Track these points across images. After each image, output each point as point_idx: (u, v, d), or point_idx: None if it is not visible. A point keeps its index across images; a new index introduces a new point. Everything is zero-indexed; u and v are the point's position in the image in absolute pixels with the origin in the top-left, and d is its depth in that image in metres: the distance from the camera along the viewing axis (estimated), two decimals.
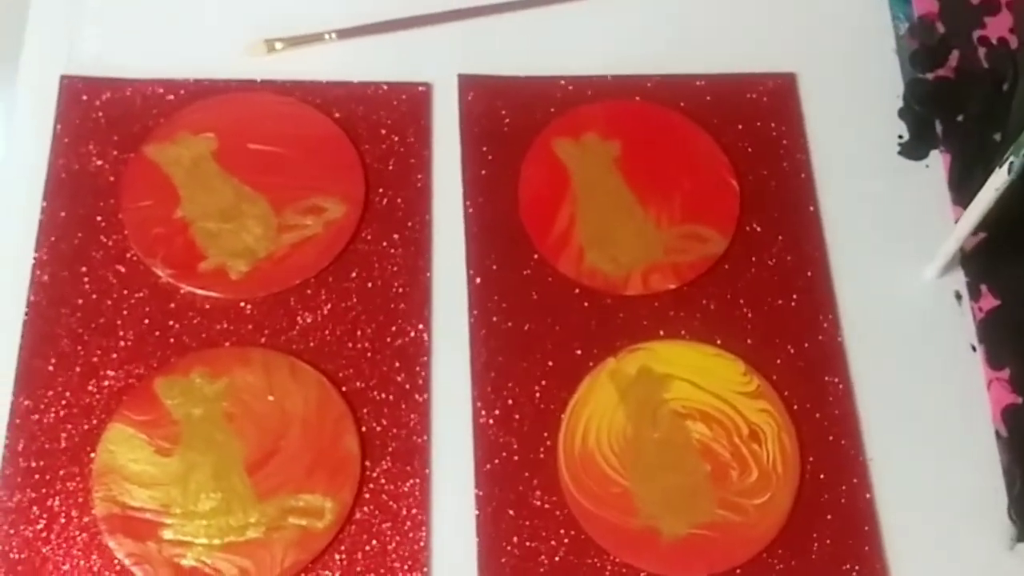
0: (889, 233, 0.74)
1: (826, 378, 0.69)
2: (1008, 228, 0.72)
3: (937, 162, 0.77)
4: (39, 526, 0.62)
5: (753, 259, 0.73)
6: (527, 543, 0.64)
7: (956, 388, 0.70)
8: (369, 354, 0.68)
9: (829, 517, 0.65)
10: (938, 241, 0.71)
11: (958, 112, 0.78)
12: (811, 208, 0.74)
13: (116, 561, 0.62)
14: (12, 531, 0.62)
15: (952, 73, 0.79)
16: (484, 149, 0.74)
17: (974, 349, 0.71)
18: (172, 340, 0.68)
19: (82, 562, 0.62)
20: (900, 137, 0.77)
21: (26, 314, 0.67)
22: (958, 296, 0.72)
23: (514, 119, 0.75)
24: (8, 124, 0.73)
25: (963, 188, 0.75)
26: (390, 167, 0.73)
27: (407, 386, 0.67)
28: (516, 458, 0.66)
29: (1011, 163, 0.62)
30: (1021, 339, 0.70)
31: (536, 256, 0.71)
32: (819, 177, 0.75)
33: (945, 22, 0.81)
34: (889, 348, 0.70)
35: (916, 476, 0.67)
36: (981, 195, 0.65)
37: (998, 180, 0.63)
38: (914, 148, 0.77)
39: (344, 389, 0.67)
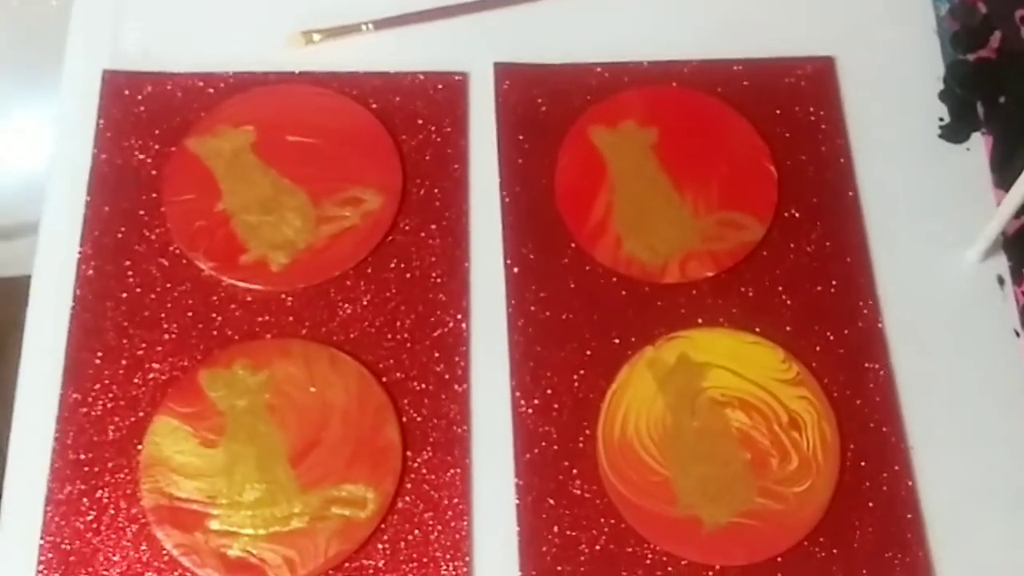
0: (930, 217, 0.74)
1: (866, 365, 0.69)
2: None
3: (978, 145, 0.76)
4: (89, 517, 0.64)
5: (791, 245, 0.72)
6: (568, 532, 0.65)
7: (998, 374, 0.69)
8: (408, 344, 0.68)
9: (871, 505, 0.65)
10: (980, 225, 0.71)
11: (1000, 94, 0.77)
12: (850, 193, 0.74)
13: (164, 552, 0.63)
14: (63, 522, 0.63)
15: (994, 54, 0.78)
16: (520, 138, 0.74)
17: (1017, 334, 0.70)
18: (215, 332, 0.68)
19: (132, 553, 0.63)
20: (941, 120, 0.77)
21: (72, 308, 0.68)
22: (1000, 280, 0.72)
23: (550, 107, 0.75)
24: (54, 120, 0.74)
25: (1005, 170, 0.74)
26: (427, 157, 0.73)
27: (447, 376, 0.68)
28: (556, 447, 0.66)
29: None
30: None
31: (573, 245, 0.72)
32: (858, 162, 0.75)
33: (987, 2, 0.80)
34: (930, 334, 0.70)
35: (958, 463, 0.67)
36: (1022, 176, 0.64)
37: None
38: (955, 131, 0.76)
39: (384, 380, 0.67)
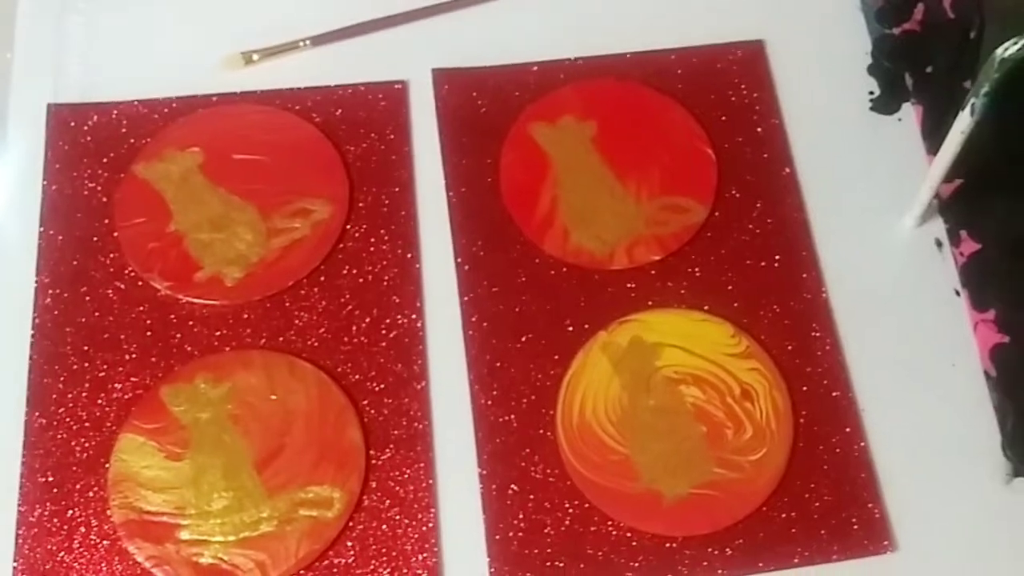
0: (866, 188, 0.76)
1: (813, 333, 0.71)
2: (982, 172, 0.73)
3: (909, 115, 0.78)
4: (60, 537, 0.65)
5: (734, 225, 0.74)
6: (533, 516, 0.66)
7: (943, 333, 0.71)
8: (366, 347, 0.70)
9: (825, 467, 0.67)
10: (915, 192, 0.73)
11: (927, 64, 0.79)
12: (787, 170, 0.76)
13: (137, 565, 0.64)
14: (36, 544, 0.64)
15: (918, 26, 0.81)
16: (463, 140, 0.76)
17: (958, 294, 0.72)
18: (175, 349, 0.70)
19: (105, 568, 0.64)
20: (871, 93, 0.79)
21: (32, 336, 0.69)
22: (938, 243, 0.74)
23: (490, 108, 0.77)
24: (1, 157, 0.75)
25: (936, 138, 0.76)
26: (372, 165, 0.75)
27: (405, 375, 0.69)
28: (516, 436, 0.68)
29: (973, 104, 0.63)
30: (1003, 280, 0.72)
31: (522, 239, 0.73)
32: (794, 139, 0.77)
33: None
34: (874, 300, 0.72)
35: (909, 422, 0.68)
36: (948, 139, 0.66)
37: (963, 123, 0.64)
38: (885, 103, 0.79)
39: (344, 383, 0.69)
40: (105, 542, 0.65)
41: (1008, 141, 0.72)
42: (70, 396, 0.68)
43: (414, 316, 0.71)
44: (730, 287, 0.72)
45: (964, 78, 0.78)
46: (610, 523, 0.66)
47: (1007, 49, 0.59)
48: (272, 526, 0.65)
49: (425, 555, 0.65)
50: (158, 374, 0.69)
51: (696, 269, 0.73)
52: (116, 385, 0.69)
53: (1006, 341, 0.70)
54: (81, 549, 0.64)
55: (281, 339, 0.70)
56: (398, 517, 0.66)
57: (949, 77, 0.78)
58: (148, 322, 0.70)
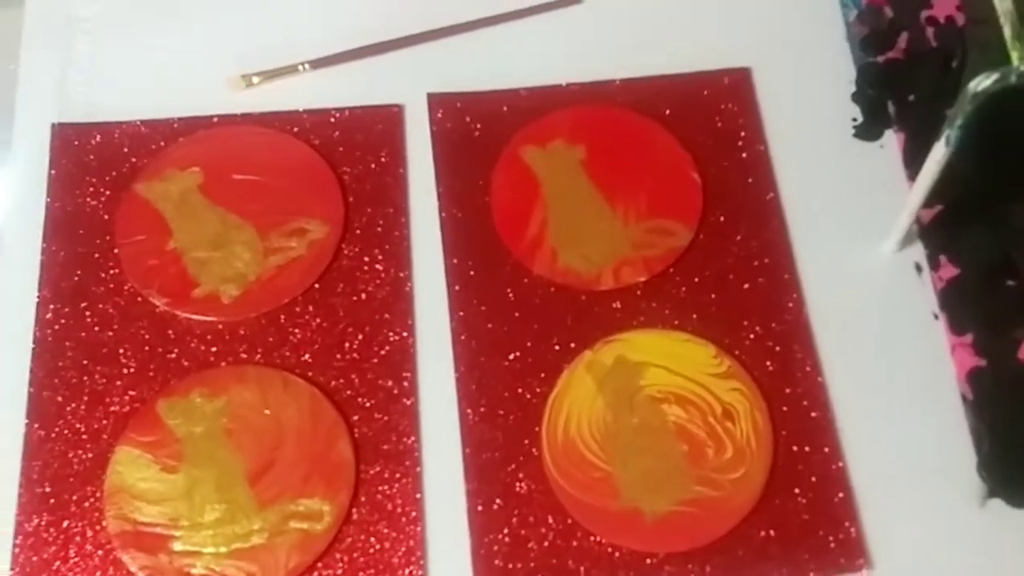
0: (848, 213, 0.77)
1: (794, 355, 0.72)
2: (961, 199, 0.75)
3: (891, 142, 0.80)
4: (56, 546, 0.66)
5: (718, 248, 0.76)
6: (517, 531, 0.67)
7: (921, 356, 0.73)
8: (358, 364, 0.72)
9: (804, 487, 0.68)
10: (896, 218, 0.74)
11: (910, 92, 0.81)
12: (771, 195, 0.77)
13: (131, 574, 0.66)
14: (32, 553, 0.66)
15: (902, 55, 0.82)
16: (456, 162, 0.78)
17: (936, 317, 0.74)
18: (172, 364, 0.72)
19: None
20: (854, 120, 0.81)
21: (33, 350, 0.71)
22: (918, 268, 0.75)
23: (482, 132, 0.79)
24: (6, 174, 0.77)
25: (918, 165, 0.77)
26: (368, 187, 0.77)
27: (395, 391, 0.71)
28: (502, 452, 0.70)
29: (947, 135, 0.65)
30: (981, 304, 0.73)
31: (511, 260, 0.75)
32: (778, 165, 0.79)
33: (893, 6, 0.84)
34: (854, 322, 0.73)
35: (887, 443, 0.70)
36: (925, 168, 0.68)
37: (938, 153, 0.66)
38: (868, 130, 0.80)
39: (336, 398, 0.70)
40: (100, 552, 0.66)
41: (986, 170, 0.74)
42: (69, 409, 0.70)
43: (405, 334, 0.73)
44: (713, 309, 0.74)
45: (946, 106, 0.79)
46: (592, 539, 0.67)
47: (980, 83, 0.61)
48: (263, 538, 0.66)
49: (411, 568, 0.66)
50: (155, 388, 0.71)
51: (681, 290, 0.74)
52: (114, 398, 0.71)
53: (983, 365, 0.72)
54: (76, 559, 0.66)
55: (276, 355, 0.72)
56: (386, 530, 0.67)
57: (931, 105, 0.80)
58: (146, 337, 0.72)
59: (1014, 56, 0.62)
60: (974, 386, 0.71)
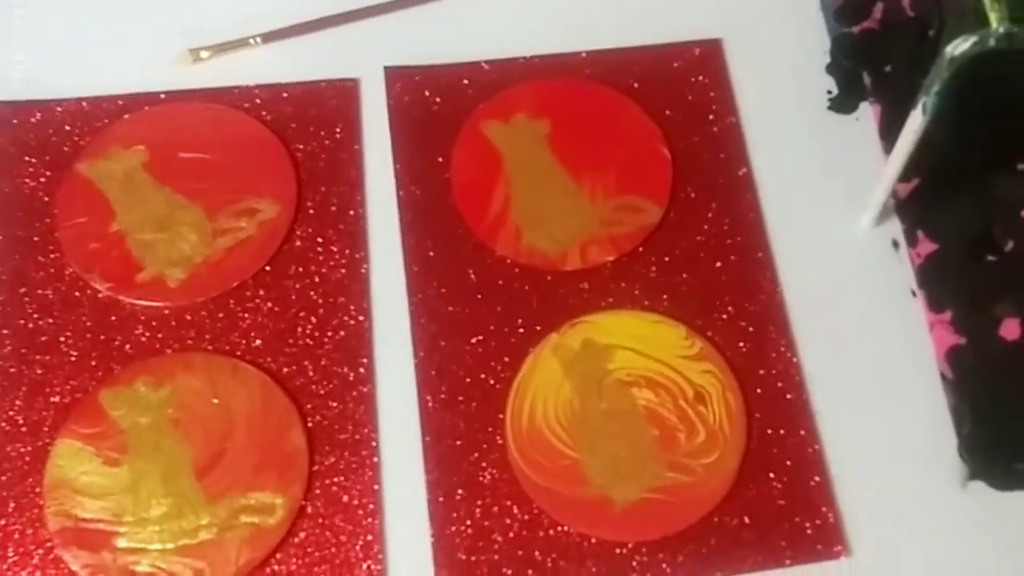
0: (823, 188, 0.74)
1: (768, 335, 0.70)
2: (939, 171, 0.73)
3: (867, 114, 0.77)
4: None
5: (689, 225, 0.73)
6: (481, 523, 0.64)
7: (899, 334, 0.70)
8: (311, 349, 0.68)
9: (779, 471, 0.66)
10: (872, 192, 0.72)
11: (886, 63, 0.78)
12: (744, 170, 0.75)
13: (72, 573, 0.62)
14: None
15: (877, 24, 0.80)
16: (414, 138, 0.75)
17: (914, 294, 0.71)
18: (115, 352, 0.68)
19: None
20: (829, 93, 0.78)
21: None
22: (895, 244, 0.73)
23: (442, 107, 0.76)
24: None
25: (894, 137, 0.74)
26: (321, 164, 0.74)
27: (351, 378, 0.68)
28: (464, 440, 0.66)
29: (924, 103, 0.62)
30: (960, 280, 0.71)
31: (473, 239, 0.72)
32: (750, 139, 0.76)
33: None
34: (829, 301, 0.71)
35: (864, 425, 0.67)
36: (901, 139, 0.65)
37: (915, 123, 0.63)
38: (844, 102, 0.78)
39: (288, 386, 0.67)
40: (39, 551, 0.63)
41: (965, 140, 0.71)
42: (7, 400, 0.66)
43: (361, 317, 0.69)
44: (684, 288, 0.71)
45: (923, 77, 0.76)
46: (560, 529, 0.64)
47: (957, 47, 0.58)
48: (212, 533, 0.63)
49: (369, 563, 0.63)
50: (97, 377, 0.67)
51: (650, 270, 0.72)
52: (55, 389, 0.67)
53: (962, 343, 0.69)
54: (15, 558, 0.63)
55: (224, 341, 0.68)
56: (342, 524, 0.64)
57: (908, 76, 0.77)
58: (88, 324, 0.69)
59: (993, 18, 0.59)
60: (954, 365, 0.68)
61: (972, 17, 0.66)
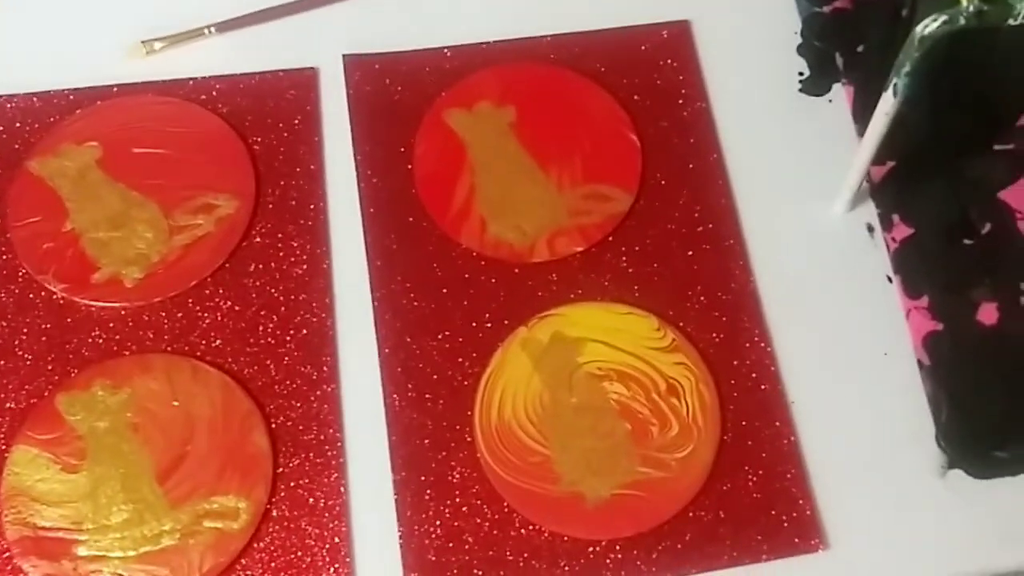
0: (796, 172, 0.73)
1: (742, 325, 0.68)
2: (913, 153, 0.71)
3: (840, 96, 0.76)
4: None
5: (659, 213, 0.71)
6: (451, 523, 0.63)
7: (875, 321, 0.69)
8: (273, 348, 0.67)
9: (754, 464, 0.64)
10: (846, 176, 0.70)
11: (858, 43, 0.77)
12: (714, 156, 0.73)
13: None
14: None
15: (849, 3, 0.78)
16: (375, 128, 0.73)
17: (890, 280, 0.70)
18: (71, 355, 0.66)
19: None
20: (801, 74, 0.76)
21: None
22: (870, 228, 0.71)
23: (403, 95, 0.74)
24: None
25: (868, 119, 0.73)
26: (280, 156, 0.72)
27: (314, 377, 0.66)
28: (432, 439, 0.65)
29: (895, 85, 0.60)
30: (936, 265, 0.69)
31: (437, 232, 0.70)
32: (721, 123, 0.74)
33: None
34: (804, 288, 0.69)
35: (840, 415, 0.66)
36: (873, 121, 0.64)
37: (886, 104, 0.62)
38: (816, 83, 0.76)
39: (250, 387, 0.65)
40: None
41: (939, 121, 0.70)
42: None
43: (324, 315, 0.68)
44: (655, 278, 0.69)
45: (896, 56, 0.76)
46: (531, 527, 0.63)
47: (927, 26, 0.56)
48: (174, 540, 0.61)
49: (337, 566, 0.62)
50: (53, 381, 0.66)
51: (620, 260, 0.70)
52: (9, 394, 0.65)
53: (939, 329, 0.68)
54: None
55: (183, 342, 0.67)
56: (308, 527, 0.62)
57: (881, 56, 0.76)
58: (43, 327, 0.67)
59: None
60: (931, 351, 0.67)
61: None
